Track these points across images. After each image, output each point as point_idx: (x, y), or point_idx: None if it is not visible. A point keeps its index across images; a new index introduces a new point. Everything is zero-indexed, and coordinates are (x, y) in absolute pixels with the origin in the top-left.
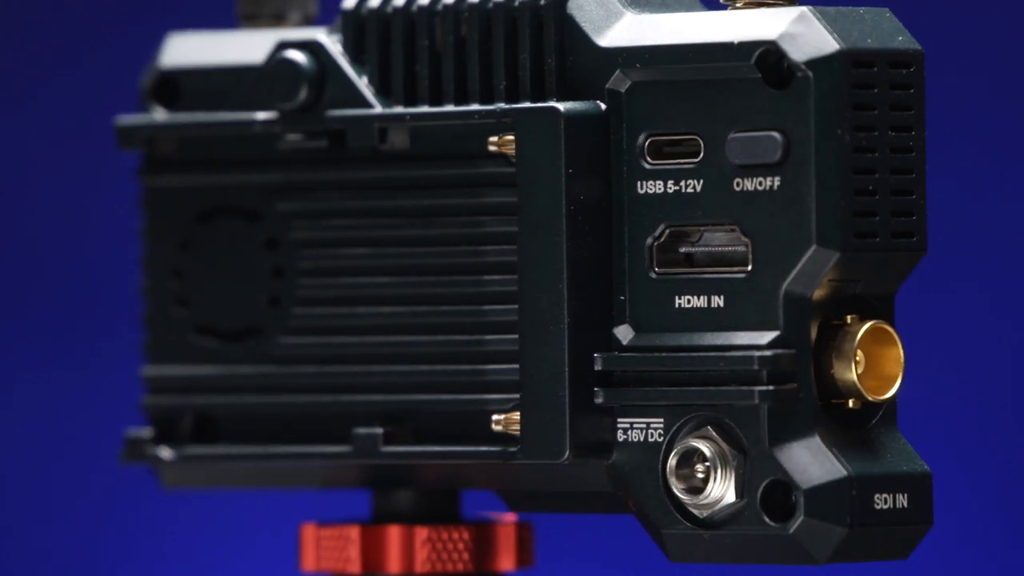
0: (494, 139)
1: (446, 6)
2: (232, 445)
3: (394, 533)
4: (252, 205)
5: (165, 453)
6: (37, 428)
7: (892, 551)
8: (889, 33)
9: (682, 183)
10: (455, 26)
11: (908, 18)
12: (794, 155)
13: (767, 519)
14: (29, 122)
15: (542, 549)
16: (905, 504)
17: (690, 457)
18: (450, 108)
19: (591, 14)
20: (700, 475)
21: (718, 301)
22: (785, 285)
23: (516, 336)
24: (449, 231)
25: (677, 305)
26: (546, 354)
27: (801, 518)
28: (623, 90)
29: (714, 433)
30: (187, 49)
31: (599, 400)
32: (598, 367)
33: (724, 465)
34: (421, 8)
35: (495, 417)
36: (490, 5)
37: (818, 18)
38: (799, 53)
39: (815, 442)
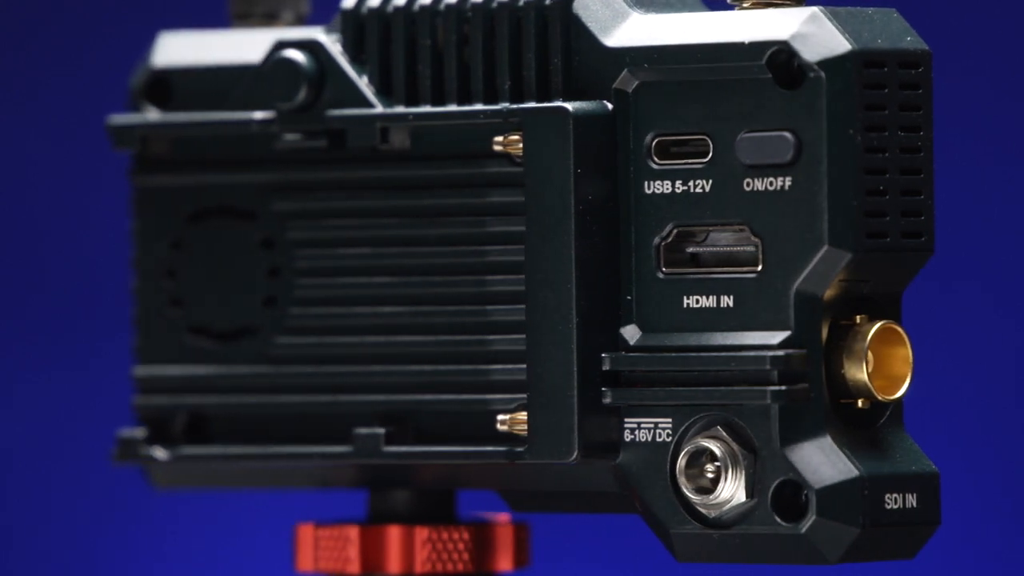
0: (499, 139)
1: (448, 6)
2: (227, 445)
3: (394, 533)
4: (247, 205)
5: (159, 453)
6: (36, 428)
7: (900, 551)
8: (897, 33)
9: (690, 183)
10: (458, 26)
11: (908, 18)
12: (806, 155)
13: (778, 519)
14: (28, 122)
15: (538, 549)
16: (914, 504)
17: (700, 457)
18: (453, 108)
19: (597, 14)
20: (710, 475)
21: (727, 301)
22: (796, 285)
23: (520, 336)
24: (452, 231)
25: (685, 305)
26: (554, 354)
27: (813, 518)
28: (630, 90)
29: (724, 433)
30: (179, 48)
31: (607, 400)
32: (606, 367)
33: (734, 465)
34: (423, 8)
35: (500, 417)
36: (494, 5)
37: (829, 18)
38: (811, 53)
39: (826, 442)
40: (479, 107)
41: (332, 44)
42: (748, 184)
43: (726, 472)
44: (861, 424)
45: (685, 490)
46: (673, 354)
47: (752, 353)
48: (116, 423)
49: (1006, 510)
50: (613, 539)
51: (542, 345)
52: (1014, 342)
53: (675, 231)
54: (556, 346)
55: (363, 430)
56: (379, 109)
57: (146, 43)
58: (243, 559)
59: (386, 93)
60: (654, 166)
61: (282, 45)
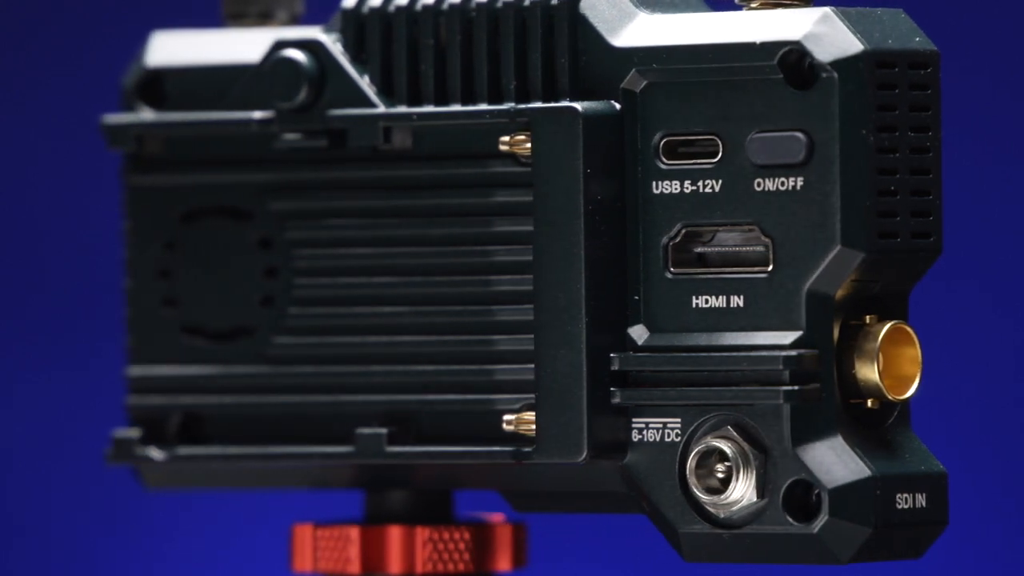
0: (505, 139)
1: (452, 5)
2: (225, 446)
3: (395, 533)
4: (244, 205)
5: (155, 454)
6: (35, 428)
7: (908, 551)
8: (906, 34)
9: (700, 183)
10: (462, 26)
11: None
12: (818, 155)
13: (790, 519)
14: (22, 122)
15: (536, 549)
16: (924, 504)
17: (710, 457)
18: (458, 108)
19: (604, 14)
20: (720, 475)
21: (738, 301)
22: (808, 285)
23: (524, 336)
24: (455, 231)
25: (694, 305)
26: (563, 354)
27: (826, 518)
28: (638, 90)
29: (734, 433)
30: (173, 48)
31: (616, 400)
32: (615, 367)
33: (745, 465)
34: (426, 7)
35: (507, 417)
36: (499, 4)
37: (841, 18)
38: (824, 54)
39: (838, 442)
40: (484, 107)
41: (332, 44)
42: (759, 184)
43: (737, 472)
44: (870, 424)
45: (695, 490)
46: (683, 354)
47: (764, 353)
48: (115, 423)
49: (1008, 510)
50: (611, 539)
51: (550, 345)
52: (1016, 342)
53: (683, 231)
54: (565, 346)
55: (365, 430)
56: (381, 109)
57: (137, 43)
58: (239, 560)
59: (388, 93)
60: (662, 166)
61: (282, 45)
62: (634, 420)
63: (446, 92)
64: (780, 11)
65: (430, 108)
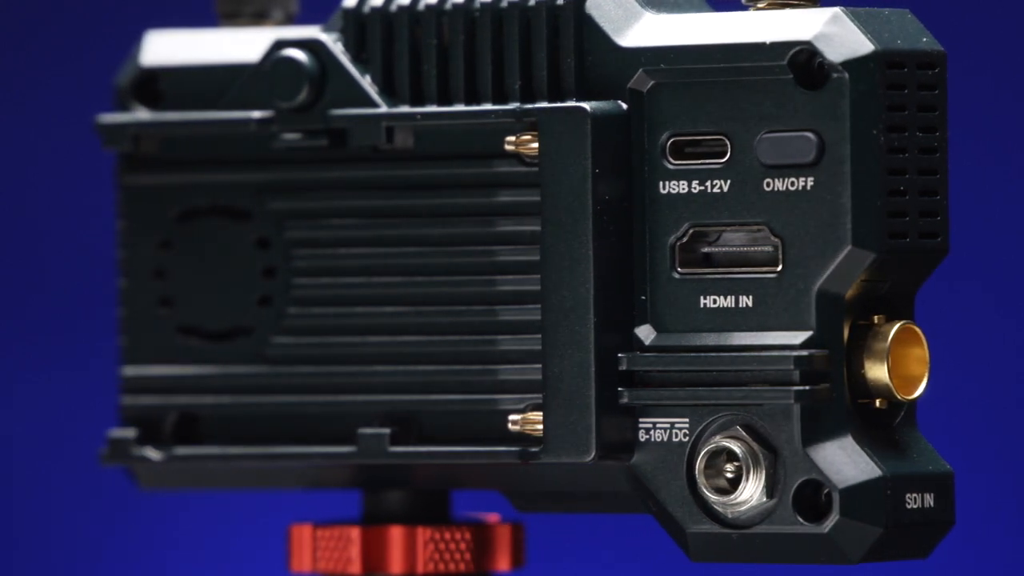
0: (511, 139)
1: (455, 5)
2: (223, 446)
3: (396, 533)
4: (241, 204)
5: (152, 454)
6: (33, 428)
7: (915, 550)
8: (914, 34)
9: (708, 183)
10: (465, 26)
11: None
12: (829, 155)
13: (800, 519)
14: (22, 122)
15: (533, 549)
16: (932, 504)
17: (718, 457)
18: (462, 108)
19: (610, 14)
20: (729, 475)
21: (746, 301)
22: (818, 285)
23: (528, 336)
24: (458, 231)
25: (702, 305)
26: (571, 354)
27: (837, 517)
28: (645, 90)
29: (744, 433)
30: (168, 47)
31: (624, 400)
32: (623, 367)
33: (755, 465)
34: (429, 7)
35: (512, 417)
36: (503, 4)
37: (851, 19)
38: (835, 54)
39: (848, 442)
40: (489, 107)
41: (333, 43)
42: (768, 184)
43: (747, 472)
44: (879, 424)
45: (704, 490)
46: (692, 354)
47: (775, 353)
48: (113, 424)
49: (1012, 509)
50: (610, 539)
51: (558, 345)
52: (1019, 342)
53: (691, 231)
54: (573, 346)
55: (367, 430)
56: (384, 109)
57: (130, 42)
58: (235, 560)
59: (389, 93)
60: (669, 166)
61: (282, 44)
62: (641, 420)
63: (448, 92)
64: (788, 11)
65: (433, 108)
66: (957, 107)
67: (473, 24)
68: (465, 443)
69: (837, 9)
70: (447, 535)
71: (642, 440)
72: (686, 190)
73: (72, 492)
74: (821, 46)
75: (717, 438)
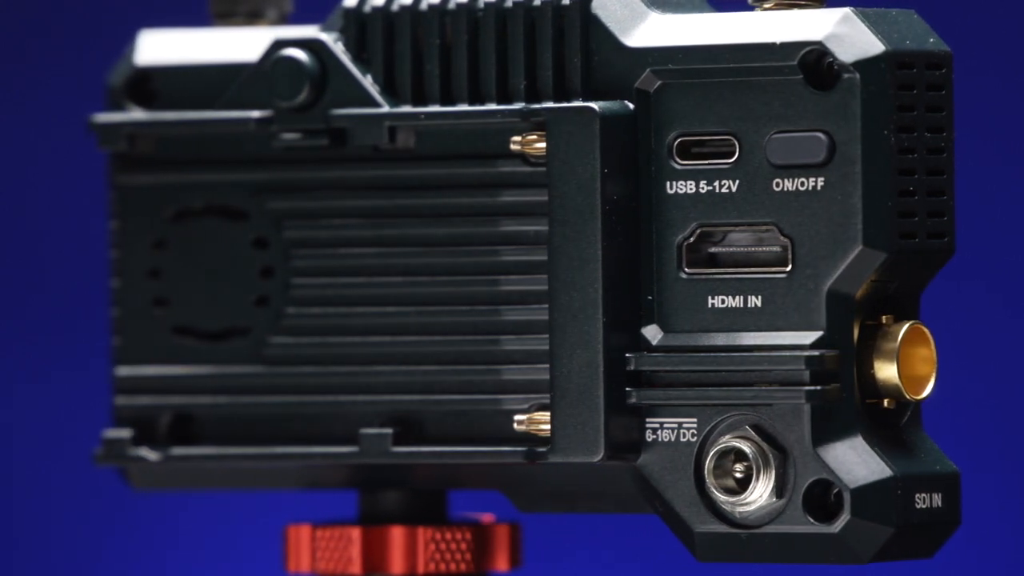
0: (517, 139)
1: (459, 5)
2: (221, 446)
3: (397, 534)
4: (237, 204)
5: (148, 454)
6: (31, 428)
7: (922, 550)
8: (921, 34)
9: (716, 183)
10: (468, 25)
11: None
12: (839, 156)
13: (811, 519)
14: (14, 122)
15: (529, 549)
16: (940, 504)
17: (726, 457)
18: (466, 107)
19: (616, 14)
20: (738, 475)
21: (755, 301)
22: (828, 285)
23: (532, 336)
24: (462, 231)
25: (710, 305)
26: (579, 354)
27: (848, 517)
28: (652, 90)
29: (753, 433)
30: (162, 47)
31: (632, 400)
32: (631, 367)
33: (765, 465)
34: (431, 7)
35: (518, 417)
36: (508, 4)
37: (861, 19)
38: (846, 54)
39: (858, 442)
40: (495, 107)
41: (334, 43)
42: (778, 184)
43: (757, 472)
44: (886, 424)
45: (713, 490)
46: (701, 354)
47: (786, 353)
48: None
49: (1015, 509)
50: (608, 539)
51: (567, 345)
52: (1021, 342)
53: (699, 231)
54: (582, 346)
55: (370, 431)
56: (386, 108)
57: (120, 42)
58: (232, 561)
59: (391, 93)
60: (676, 166)
61: (282, 44)
62: (648, 420)
63: (451, 92)
64: (796, 12)
65: (437, 108)
66: (960, 107)
67: (476, 24)
68: (467, 443)
69: (847, 9)
70: (448, 535)
71: (649, 440)
72: (693, 190)
73: (70, 493)
74: (832, 46)
75: (726, 438)
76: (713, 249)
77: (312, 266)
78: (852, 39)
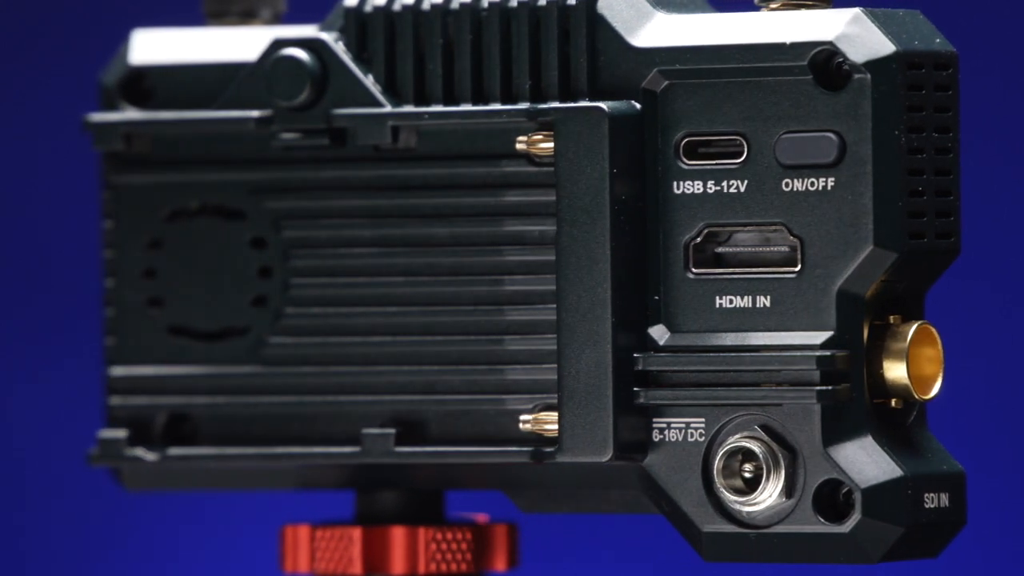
0: (523, 138)
1: (463, 5)
2: (214, 447)
3: (398, 534)
4: (235, 204)
5: (145, 455)
6: (28, 429)
7: (927, 550)
8: (927, 35)
9: (724, 183)
10: (472, 25)
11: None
12: (850, 156)
13: (821, 519)
14: (13, 122)
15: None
16: (947, 503)
17: (734, 457)
18: (469, 107)
19: (622, 14)
20: (747, 475)
21: (764, 301)
22: (839, 285)
23: (536, 336)
24: (465, 231)
25: (718, 305)
26: (588, 354)
27: (859, 517)
28: (659, 90)
29: (762, 433)
30: (157, 46)
31: (640, 400)
32: (639, 367)
33: (775, 465)
34: (434, 6)
35: (523, 417)
36: (512, 4)
37: (871, 19)
38: (857, 55)
39: (868, 441)
40: (500, 107)
41: (334, 42)
42: (787, 184)
43: (767, 472)
44: (894, 424)
45: (722, 490)
46: (710, 354)
47: (797, 353)
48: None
49: (1017, 509)
50: (606, 539)
51: (575, 345)
52: (1021, 342)
53: (706, 231)
54: (591, 346)
55: (373, 430)
56: (389, 108)
57: (109, 42)
58: (230, 561)
59: (392, 92)
60: (683, 166)
61: (282, 43)
62: (655, 420)
63: (454, 92)
64: (804, 12)
65: (440, 108)
66: (962, 107)
67: (480, 24)
68: (470, 443)
69: (858, 10)
70: (448, 535)
71: (656, 440)
72: (701, 190)
73: (67, 493)
74: (843, 47)
75: (735, 438)
76: (720, 249)
77: (312, 266)
78: (863, 39)
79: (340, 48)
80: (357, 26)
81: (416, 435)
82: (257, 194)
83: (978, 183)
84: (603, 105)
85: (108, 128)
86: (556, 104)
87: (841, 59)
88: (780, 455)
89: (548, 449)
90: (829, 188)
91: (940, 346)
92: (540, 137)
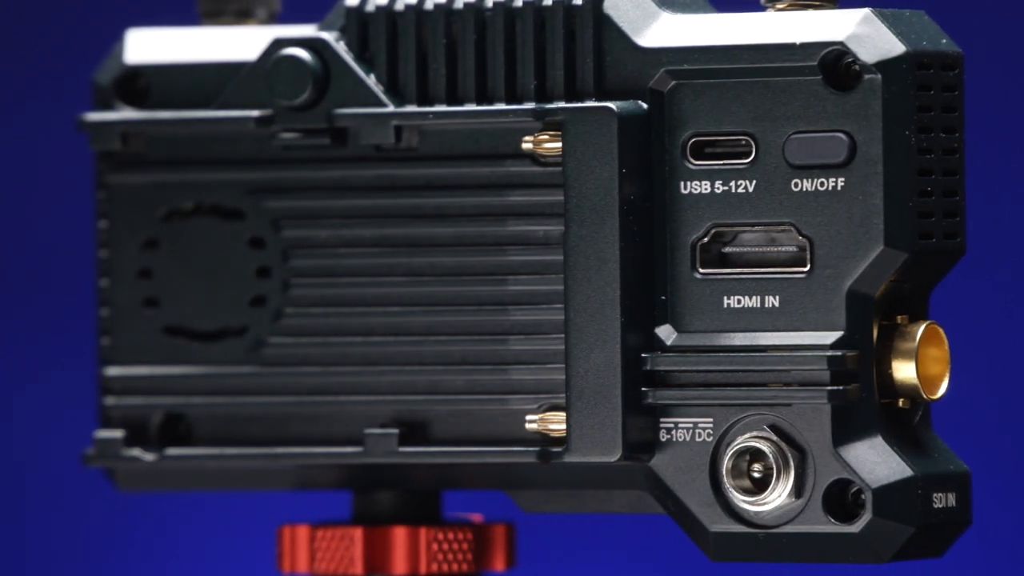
0: (529, 138)
1: (466, 4)
2: (212, 447)
3: (400, 534)
4: (233, 203)
5: (142, 455)
6: (26, 429)
7: (933, 550)
8: (934, 35)
9: (732, 183)
10: (476, 25)
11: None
12: (860, 156)
13: (831, 519)
14: (15, 121)
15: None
16: (953, 503)
17: (743, 457)
18: (474, 107)
19: (628, 14)
20: (756, 475)
21: (773, 301)
22: (849, 285)
23: (540, 336)
24: (469, 231)
25: (726, 305)
26: (597, 354)
27: (869, 517)
28: (666, 90)
29: (771, 433)
30: (151, 45)
31: (649, 400)
32: (647, 367)
33: (784, 465)
34: (437, 6)
35: (529, 417)
36: (517, 4)
37: (881, 20)
38: (868, 55)
39: (878, 441)
40: (505, 107)
41: (336, 42)
42: (796, 184)
43: (777, 472)
44: (901, 423)
45: (731, 490)
46: (719, 354)
47: (807, 353)
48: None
49: (1020, 509)
50: (606, 539)
51: (584, 345)
52: (1021, 341)
53: (713, 231)
54: (599, 346)
55: (376, 431)
56: (391, 108)
57: (102, 41)
58: (226, 561)
59: (395, 92)
60: (690, 166)
61: (282, 43)
62: (662, 420)
63: (457, 92)
64: (812, 12)
65: (443, 108)
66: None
67: (484, 24)
68: (473, 444)
69: (867, 10)
70: (449, 535)
71: (663, 440)
72: (708, 190)
73: (64, 494)
74: (854, 47)
75: (744, 438)
76: (727, 249)
77: (313, 266)
78: (873, 40)
79: (342, 48)
80: (358, 26)
81: (418, 435)
82: (256, 194)
83: (981, 183)
84: (612, 105)
85: (105, 128)
86: (564, 104)
87: (851, 59)
88: (790, 455)
89: (555, 449)
90: (839, 188)
91: (947, 346)
92: (546, 137)
